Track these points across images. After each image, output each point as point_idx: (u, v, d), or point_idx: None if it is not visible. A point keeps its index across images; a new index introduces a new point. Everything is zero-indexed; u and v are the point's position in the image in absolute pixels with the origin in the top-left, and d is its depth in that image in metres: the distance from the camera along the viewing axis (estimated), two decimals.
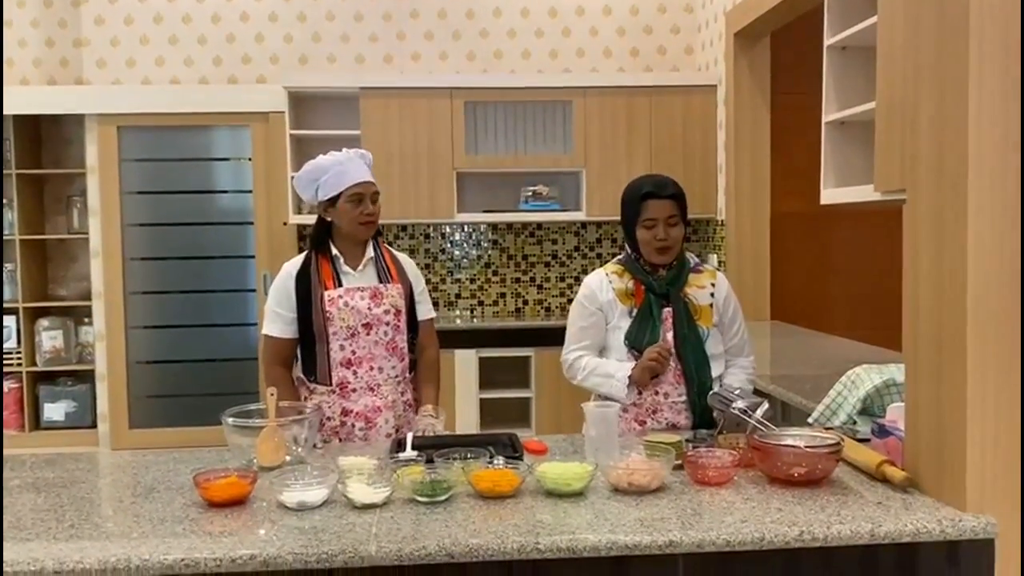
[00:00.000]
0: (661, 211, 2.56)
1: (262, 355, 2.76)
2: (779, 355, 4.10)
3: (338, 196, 2.65)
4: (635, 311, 2.61)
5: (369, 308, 2.66)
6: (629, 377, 2.56)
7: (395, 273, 2.76)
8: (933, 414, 1.91)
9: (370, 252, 2.74)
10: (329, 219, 2.71)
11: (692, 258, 2.72)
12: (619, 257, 2.74)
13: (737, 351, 2.72)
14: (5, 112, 5.37)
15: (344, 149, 2.73)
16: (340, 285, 2.67)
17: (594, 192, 5.48)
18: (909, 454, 2.00)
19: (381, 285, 2.71)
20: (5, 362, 5.56)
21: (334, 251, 2.71)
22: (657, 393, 2.59)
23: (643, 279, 2.63)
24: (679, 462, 2.09)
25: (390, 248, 2.85)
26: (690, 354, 2.58)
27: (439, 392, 2.83)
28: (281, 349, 2.72)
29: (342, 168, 2.65)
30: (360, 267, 2.72)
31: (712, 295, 2.66)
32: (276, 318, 2.71)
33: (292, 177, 5.28)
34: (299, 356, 2.74)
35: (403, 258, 2.84)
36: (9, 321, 5.56)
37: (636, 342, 2.59)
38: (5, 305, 5.54)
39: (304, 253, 2.75)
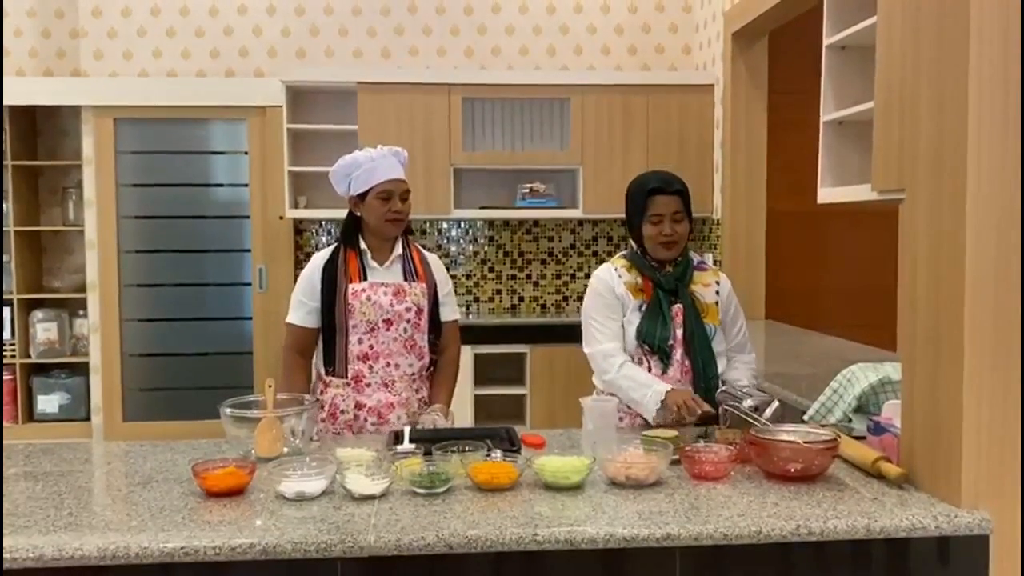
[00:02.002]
0: (667, 207, 2.59)
1: (283, 342, 2.78)
2: (774, 353, 4.11)
3: (368, 192, 2.67)
4: (644, 306, 2.62)
5: (391, 304, 2.68)
6: (666, 393, 2.48)
7: (422, 272, 2.77)
8: (929, 411, 1.93)
9: (398, 249, 2.76)
10: (358, 213, 2.72)
11: (695, 256, 2.74)
12: (624, 252, 2.75)
13: (739, 348, 2.75)
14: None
15: (380, 146, 2.75)
16: (365, 279, 2.69)
17: (591, 189, 5.49)
18: (905, 451, 2.02)
19: (405, 283, 2.72)
20: None
21: (362, 245, 2.73)
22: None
23: (650, 275, 2.64)
24: (676, 456, 2.11)
25: (419, 247, 2.85)
26: (698, 351, 2.59)
27: (452, 394, 2.83)
28: (301, 338, 2.73)
29: (374, 165, 2.67)
30: (387, 263, 2.73)
31: (717, 293, 2.69)
32: (300, 307, 2.73)
33: (293, 170, 5.29)
34: (320, 347, 2.75)
35: (432, 258, 2.85)
36: (3, 312, 5.53)
37: (647, 337, 2.59)
38: None
39: (333, 245, 2.77)
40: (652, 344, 2.59)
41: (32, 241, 5.74)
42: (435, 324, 2.79)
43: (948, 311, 1.86)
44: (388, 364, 2.69)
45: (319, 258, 2.75)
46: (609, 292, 2.65)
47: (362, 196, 2.69)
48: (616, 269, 2.69)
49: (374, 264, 2.72)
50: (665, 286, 2.62)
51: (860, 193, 2.80)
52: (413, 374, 2.73)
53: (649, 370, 2.60)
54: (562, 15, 5.88)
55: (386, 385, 2.69)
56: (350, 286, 2.67)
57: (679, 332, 2.60)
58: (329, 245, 2.82)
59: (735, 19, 5.04)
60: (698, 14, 5.83)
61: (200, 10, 5.71)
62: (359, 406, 2.68)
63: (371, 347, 2.68)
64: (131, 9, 5.67)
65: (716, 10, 5.41)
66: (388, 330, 2.68)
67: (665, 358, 2.60)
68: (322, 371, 2.75)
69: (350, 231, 2.75)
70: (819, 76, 3.04)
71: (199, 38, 5.73)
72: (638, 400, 2.53)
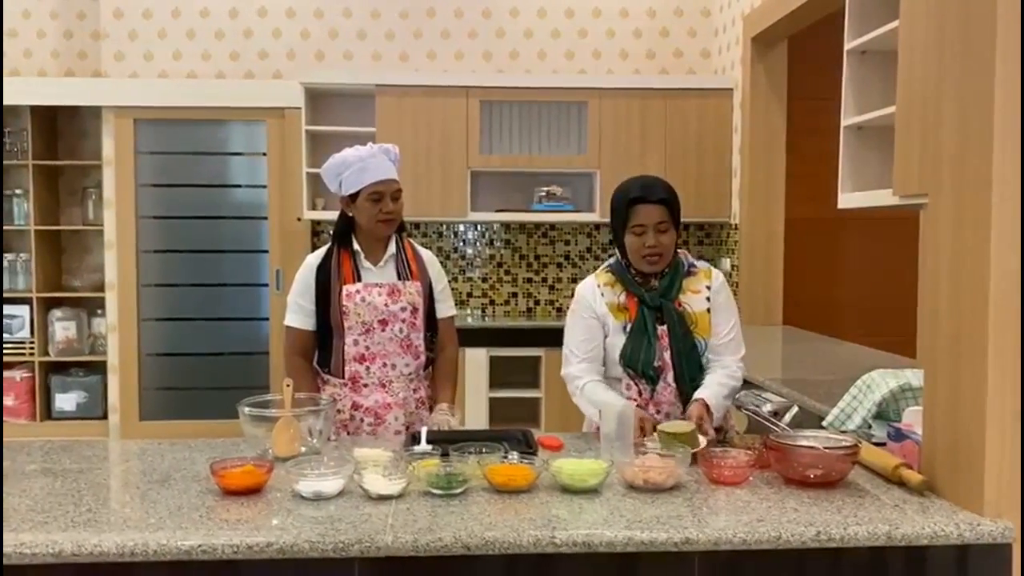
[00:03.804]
0: (650, 217, 2.44)
1: (283, 346, 2.77)
2: (792, 359, 4.09)
3: (359, 192, 2.65)
4: (629, 327, 2.50)
5: (386, 305, 2.66)
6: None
7: (415, 270, 2.75)
8: (951, 418, 1.91)
9: (392, 248, 2.74)
10: (350, 213, 2.71)
11: (686, 260, 2.58)
12: (609, 263, 2.62)
13: (723, 350, 2.53)
14: (24, 103, 5.42)
15: (369, 144, 2.73)
16: (359, 280, 2.68)
17: (608, 194, 5.43)
18: (926, 458, 2.00)
19: (400, 282, 2.71)
20: (18, 352, 5.59)
21: (355, 246, 2.71)
22: (659, 412, 2.50)
23: (635, 291, 2.51)
24: (694, 450, 2.11)
25: (414, 244, 2.83)
26: (686, 372, 2.48)
27: (456, 391, 2.82)
28: (302, 340, 2.73)
29: (363, 165, 2.64)
30: (380, 263, 2.72)
31: (708, 299, 2.54)
32: (298, 309, 2.72)
33: (310, 171, 5.31)
34: (316, 347, 2.75)
35: (426, 255, 2.82)
36: (23, 311, 5.59)
37: (631, 362, 2.47)
38: (19, 295, 5.57)
39: (327, 246, 2.76)
40: (636, 369, 2.47)
41: (52, 240, 5.78)
42: (431, 321, 2.77)
43: (971, 316, 1.84)
44: (385, 364, 2.68)
45: (313, 259, 2.74)
46: (587, 310, 2.54)
47: (353, 196, 2.66)
48: (599, 286, 2.56)
49: (367, 265, 2.70)
50: (650, 304, 2.49)
51: (881, 198, 2.78)
52: (410, 374, 2.72)
53: (639, 394, 2.49)
54: (581, 19, 5.88)
55: (383, 385, 2.68)
56: (344, 288, 2.66)
57: (667, 356, 2.47)
58: None
59: (754, 23, 5.03)
60: (717, 18, 5.82)
61: (220, 12, 5.75)
62: (356, 406, 2.68)
63: (367, 348, 2.67)
64: (152, 11, 5.71)
65: (735, 14, 5.40)
66: (384, 330, 2.66)
67: (652, 382, 2.48)
68: (319, 370, 2.75)
69: (343, 231, 2.73)
70: (838, 83, 3.02)
71: (219, 40, 5.76)
72: (597, 422, 2.44)
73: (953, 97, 1.89)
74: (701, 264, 2.62)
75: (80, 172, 5.82)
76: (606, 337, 2.53)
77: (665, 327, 2.48)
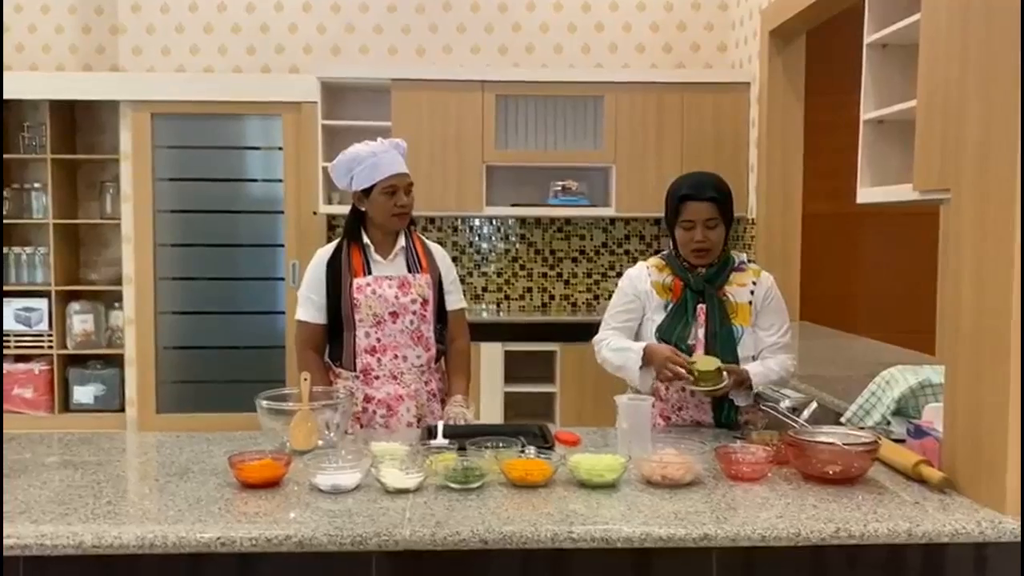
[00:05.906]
0: (699, 213, 2.54)
1: (295, 339, 2.79)
2: (809, 355, 4.06)
3: (372, 187, 2.67)
4: (670, 305, 2.61)
5: (396, 297, 2.68)
6: (644, 354, 2.52)
7: (425, 263, 2.77)
8: (972, 415, 1.90)
9: (401, 242, 2.76)
10: (363, 208, 2.72)
11: (737, 256, 2.68)
12: (663, 252, 2.74)
13: (779, 351, 2.62)
14: (42, 98, 5.45)
15: (379, 139, 2.74)
16: (370, 273, 2.69)
17: (623, 188, 5.46)
18: (947, 455, 1.98)
19: (409, 275, 2.73)
20: (36, 344, 5.64)
21: (365, 239, 2.73)
22: (683, 389, 2.57)
23: (681, 276, 2.62)
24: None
25: (422, 238, 2.86)
26: (719, 352, 2.54)
27: (469, 383, 2.84)
28: (313, 334, 2.74)
29: (376, 160, 2.67)
30: (391, 256, 2.74)
31: (752, 292, 2.62)
32: (309, 304, 2.74)
33: (327, 166, 5.31)
34: (327, 340, 2.76)
35: (435, 248, 2.85)
36: (41, 304, 5.63)
37: (667, 335, 2.58)
38: (38, 288, 5.62)
39: (337, 240, 2.77)
40: (669, 342, 2.56)
41: (70, 234, 5.81)
42: (442, 314, 2.80)
43: (993, 312, 1.82)
44: (396, 356, 2.70)
45: (323, 253, 2.76)
46: (631, 289, 2.67)
47: (366, 191, 2.68)
48: (648, 268, 2.69)
49: (377, 258, 2.73)
50: (694, 287, 2.60)
51: (901, 193, 2.75)
52: (421, 365, 2.74)
53: None
54: (597, 13, 5.85)
55: (395, 377, 2.70)
56: (355, 281, 2.68)
57: (701, 332, 2.56)
58: None
59: (772, 17, 4.99)
60: (734, 12, 5.78)
61: (237, 7, 5.76)
62: (368, 399, 2.70)
63: (378, 340, 2.68)
64: (169, 6, 5.73)
65: (753, 8, 5.36)
66: (395, 323, 2.69)
67: None
68: (331, 363, 2.77)
69: (354, 225, 2.75)
70: (856, 79, 3.00)
71: (236, 34, 5.77)
72: (622, 365, 2.58)
73: (976, 90, 1.87)
74: (751, 264, 2.71)
75: (98, 166, 5.85)
76: (644, 315, 2.65)
77: (704, 306, 2.58)
